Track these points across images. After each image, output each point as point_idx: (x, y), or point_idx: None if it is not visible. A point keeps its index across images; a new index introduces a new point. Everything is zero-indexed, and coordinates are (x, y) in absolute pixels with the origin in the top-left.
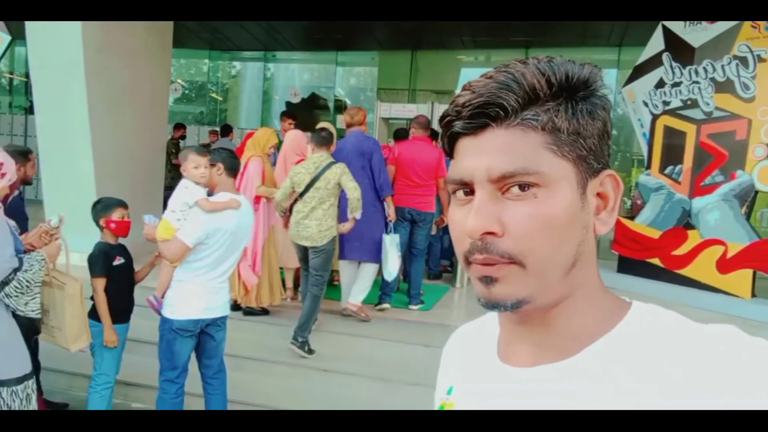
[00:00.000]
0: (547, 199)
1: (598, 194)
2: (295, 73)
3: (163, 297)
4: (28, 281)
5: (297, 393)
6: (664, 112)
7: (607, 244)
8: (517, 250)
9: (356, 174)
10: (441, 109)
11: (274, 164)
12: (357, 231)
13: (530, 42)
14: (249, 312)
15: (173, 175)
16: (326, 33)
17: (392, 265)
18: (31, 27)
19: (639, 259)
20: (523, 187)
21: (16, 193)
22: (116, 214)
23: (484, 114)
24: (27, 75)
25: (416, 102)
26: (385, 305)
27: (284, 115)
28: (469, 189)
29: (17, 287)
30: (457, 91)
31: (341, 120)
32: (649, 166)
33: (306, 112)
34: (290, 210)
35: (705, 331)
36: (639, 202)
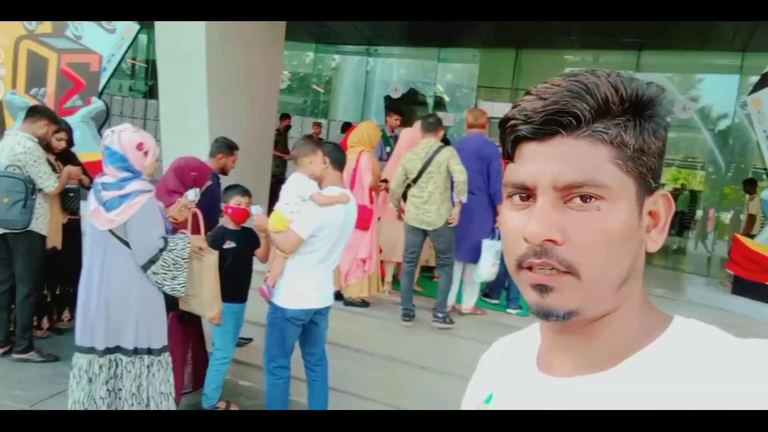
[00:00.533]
0: (609, 212)
1: (650, 213)
2: (396, 68)
3: (274, 286)
4: (174, 260)
5: (393, 387)
6: None
7: (719, 261)
8: (575, 259)
9: (472, 177)
10: None
11: (380, 159)
12: (467, 233)
13: (643, 44)
14: (349, 303)
15: (277, 164)
16: (430, 29)
17: (483, 269)
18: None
19: (758, 282)
20: (585, 198)
21: (213, 181)
22: (233, 201)
23: (555, 121)
24: (147, 61)
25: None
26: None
27: (391, 110)
28: (527, 194)
29: (163, 265)
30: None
31: (441, 117)
32: None
33: (404, 108)
34: (404, 197)
35: (746, 344)
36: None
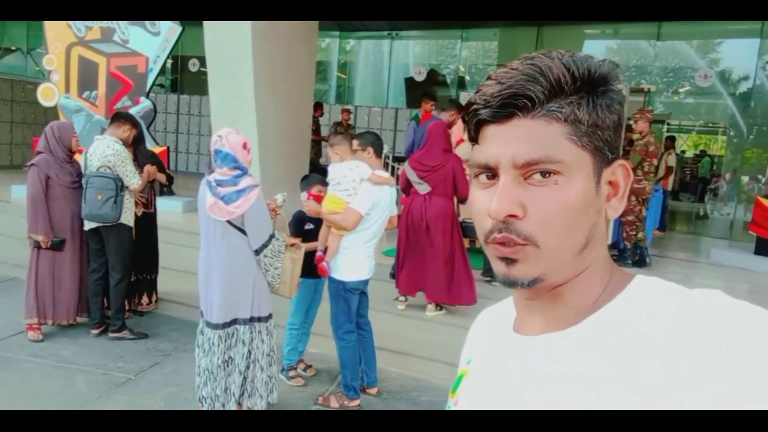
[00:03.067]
0: (566, 186)
1: (610, 182)
2: (418, 51)
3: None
4: (279, 248)
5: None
6: None
7: (741, 225)
8: (533, 231)
9: None
10: None
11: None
12: None
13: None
14: None
15: (315, 150)
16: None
17: None
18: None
19: None
20: (544, 174)
21: None
22: (315, 189)
23: (511, 104)
24: (173, 57)
25: None
26: None
27: (426, 96)
28: (492, 173)
29: (272, 250)
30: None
31: (463, 97)
32: None
33: (428, 89)
34: None
35: (694, 294)
36: None
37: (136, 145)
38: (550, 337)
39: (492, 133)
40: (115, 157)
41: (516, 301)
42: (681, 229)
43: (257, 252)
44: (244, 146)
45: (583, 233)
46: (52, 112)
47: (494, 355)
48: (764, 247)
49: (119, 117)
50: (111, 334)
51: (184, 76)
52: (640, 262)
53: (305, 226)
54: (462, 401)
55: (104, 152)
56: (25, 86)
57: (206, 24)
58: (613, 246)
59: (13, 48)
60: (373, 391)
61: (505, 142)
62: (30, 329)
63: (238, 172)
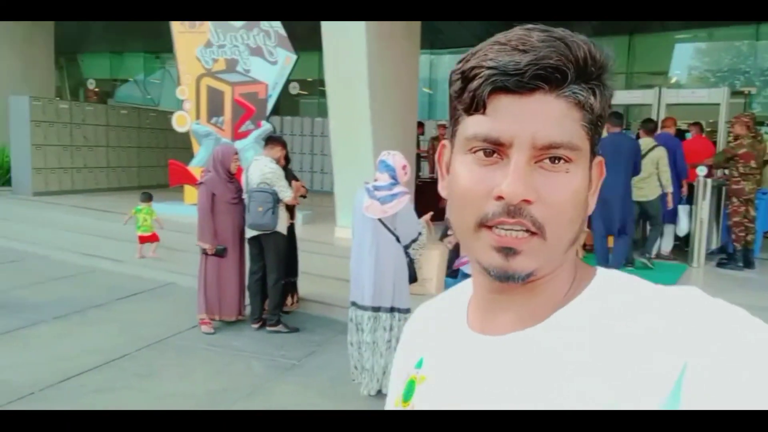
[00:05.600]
0: (575, 175)
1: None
2: None
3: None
4: (423, 242)
5: None
6: None
7: None
8: (545, 219)
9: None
10: (668, 94)
11: None
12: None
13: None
14: None
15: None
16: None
17: (683, 224)
18: (327, 39)
19: None
20: (553, 159)
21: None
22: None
23: (542, 77)
24: None
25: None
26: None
27: None
28: (493, 149)
29: (419, 245)
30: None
31: None
32: None
33: None
34: None
35: (666, 291)
36: None
37: (286, 163)
38: (518, 335)
39: (507, 104)
40: (272, 174)
41: (480, 297)
42: None
43: (406, 247)
44: (404, 168)
45: (577, 226)
46: (179, 137)
47: (455, 357)
48: None
49: (272, 140)
50: (269, 328)
51: (283, 99)
52: (747, 263)
53: (449, 232)
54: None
55: (262, 170)
56: (150, 114)
57: (326, 48)
58: (721, 250)
59: (130, 79)
60: None
61: (525, 117)
62: (203, 323)
63: (393, 181)
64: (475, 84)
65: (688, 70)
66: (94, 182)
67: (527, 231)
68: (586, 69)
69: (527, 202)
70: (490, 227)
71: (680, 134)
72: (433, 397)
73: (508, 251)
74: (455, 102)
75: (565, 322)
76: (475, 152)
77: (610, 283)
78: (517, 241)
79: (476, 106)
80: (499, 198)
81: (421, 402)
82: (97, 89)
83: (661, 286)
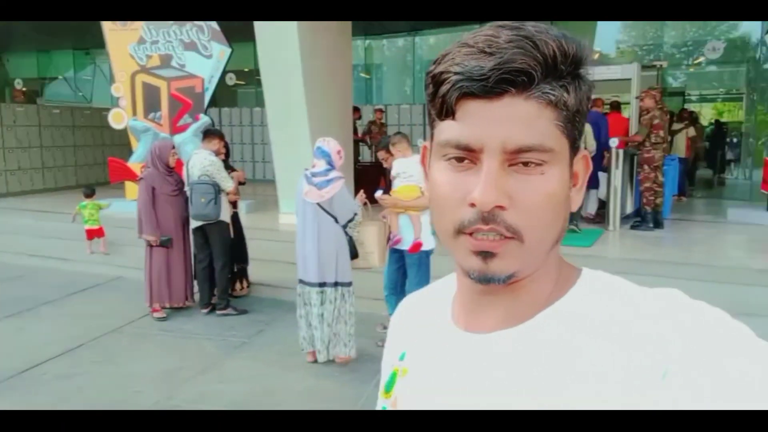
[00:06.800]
0: (551, 176)
1: (574, 173)
2: (441, 47)
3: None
4: (359, 220)
5: None
6: None
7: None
8: (520, 224)
9: None
10: None
11: None
12: None
13: None
14: None
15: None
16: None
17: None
18: (260, 34)
19: None
20: (527, 162)
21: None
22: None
23: (507, 80)
24: None
25: None
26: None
27: None
28: (463, 156)
29: (355, 223)
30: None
31: None
32: None
33: None
34: None
35: (649, 293)
36: None
37: (226, 155)
38: (502, 334)
39: (476, 110)
40: (212, 166)
41: (465, 296)
42: (701, 194)
43: (344, 227)
44: (339, 152)
45: (558, 227)
46: (116, 134)
47: (437, 352)
48: None
49: (210, 133)
50: (218, 312)
51: (220, 90)
52: (657, 224)
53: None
54: (404, 401)
55: (203, 163)
56: (83, 112)
57: (259, 42)
58: (637, 213)
59: (59, 77)
60: None
61: (494, 122)
62: (154, 311)
63: (328, 167)
64: (443, 89)
65: (614, 45)
66: (29, 183)
67: (503, 235)
68: (555, 67)
69: (500, 207)
70: (468, 233)
71: (617, 106)
72: (413, 389)
73: (486, 255)
74: (429, 105)
75: (548, 322)
76: (448, 159)
77: (594, 283)
78: (493, 244)
79: (446, 112)
80: (473, 205)
81: (401, 393)
82: (24, 89)
83: (645, 287)
